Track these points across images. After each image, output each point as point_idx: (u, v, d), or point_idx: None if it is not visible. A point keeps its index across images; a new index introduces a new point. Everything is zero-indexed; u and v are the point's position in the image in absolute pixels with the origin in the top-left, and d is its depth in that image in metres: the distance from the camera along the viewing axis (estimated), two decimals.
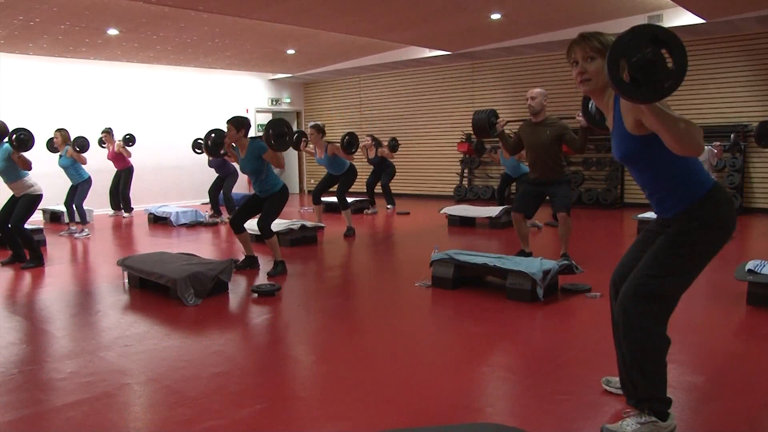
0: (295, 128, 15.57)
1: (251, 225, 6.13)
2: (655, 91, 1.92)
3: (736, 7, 8.29)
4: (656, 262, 2.40)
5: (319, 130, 8.10)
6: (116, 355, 3.58)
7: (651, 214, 7.72)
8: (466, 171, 13.12)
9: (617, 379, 2.90)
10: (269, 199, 5.78)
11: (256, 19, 8.46)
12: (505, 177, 9.63)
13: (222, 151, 6.28)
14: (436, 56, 12.05)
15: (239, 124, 5.72)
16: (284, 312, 4.63)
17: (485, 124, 5.94)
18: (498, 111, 6.23)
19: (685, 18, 8.80)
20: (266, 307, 4.69)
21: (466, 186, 13.04)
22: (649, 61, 1.90)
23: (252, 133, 6.96)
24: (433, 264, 5.17)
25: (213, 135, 6.18)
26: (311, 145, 8.49)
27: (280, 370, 3.42)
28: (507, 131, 6.10)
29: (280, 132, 5.51)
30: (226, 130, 5.83)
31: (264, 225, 5.70)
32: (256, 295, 4.94)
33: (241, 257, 6.08)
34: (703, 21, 8.73)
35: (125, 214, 10.79)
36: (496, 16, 9.04)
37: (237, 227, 5.86)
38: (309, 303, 4.94)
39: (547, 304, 4.51)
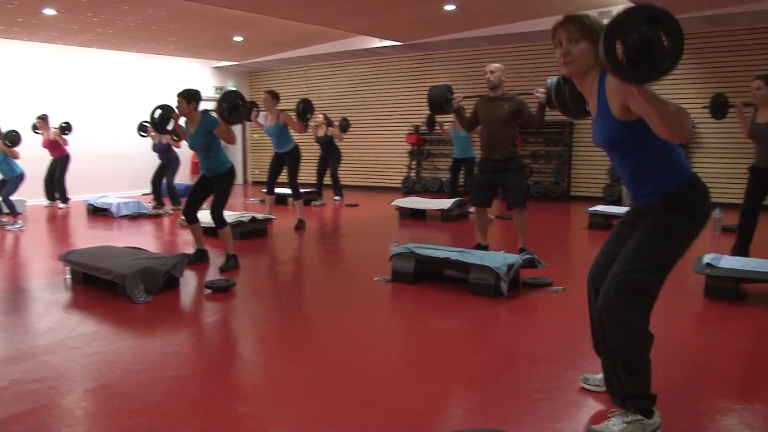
0: None
1: (205, 218, 5.86)
2: (654, 70, 1.88)
3: (682, 7, 8.45)
4: (637, 256, 2.36)
5: (274, 96, 7.77)
6: (63, 358, 3.31)
7: (602, 207, 7.83)
8: (414, 163, 13.07)
9: (596, 377, 2.86)
10: (217, 183, 5.52)
11: (206, 3, 8.13)
12: (455, 166, 9.38)
13: (169, 127, 5.91)
14: (386, 47, 11.92)
15: (191, 96, 5.45)
16: (240, 309, 4.43)
17: (441, 99, 5.76)
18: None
19: None
20: (221, 303, 4.48)
21: (414, 178, 12.99)
22: (645, 41, 1.87)
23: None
24: (393, 258, 5.05)
25: (160, 111, 5.82)
26: (263, 115, 8.07)
27: (243, 373, 3.24)
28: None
29: (235, 105, 5.28)
30: (176, 103, 5.53)
31: (217, 213, 5.47)
32: (209, 291, 4.72)
33: (190, 250, 5.83)
34: None
35: (61, 205, 10.25)
36: (449, 7, 8.97)
37: (190, 217, 5.61)
38: (265, 299, 4.75)
39: (511, 298, 4.46)
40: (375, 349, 3.60)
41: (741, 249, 5.21)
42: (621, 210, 7.72)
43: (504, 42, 11.32)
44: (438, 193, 12.16)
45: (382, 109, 13.52)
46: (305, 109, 7.79)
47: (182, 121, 5.78)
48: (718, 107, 5.91)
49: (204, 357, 3.47)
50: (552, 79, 5.22)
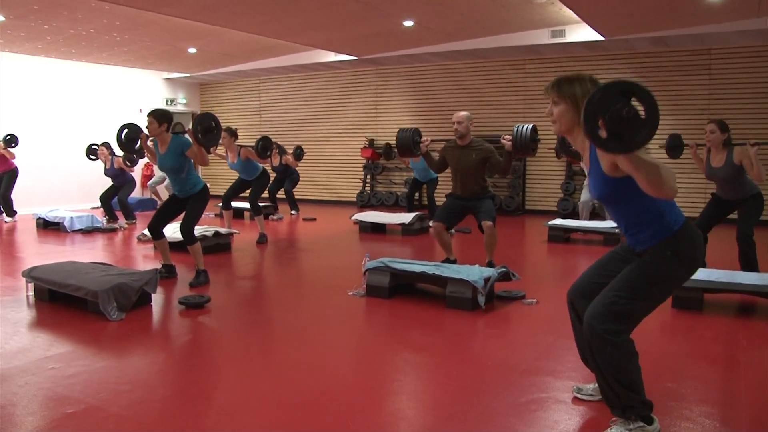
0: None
1: (167, 231, 5.75)
2: (631, 142, 2.02)
3: (632, 27, 8.82)
4: (628, 285, 2.45)
5: (232, 133, 7.78)
6: (44, 380, 3.18)
7: (560, 221, 8.03)
8: (368, 177, 13.11)
9: (588, 386, 2.94)
10: (191, 201, 5.45)
11: (164, 13, 8.00)
12: (414, 183, 9.76)
13: (136, 147, 5.77)
14: (340, 61, 11.96)
15: (162, 117, 5.35)
16: (217, 326, 4.35)
17: (410, 143, 5.95)
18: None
19: (586, 34, 9.25)
20: (197, 320, 4.39)
21: (369, 192, 13.03)
22: (622, 116, 2.00)
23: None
24: (367, 272, 5.06)
25: (126, 130, 5.67)
26: (222, 149, 8.16)
27: (236, 392, 3.15)
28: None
29: (209, 127, 5.22)
30: (146, 123, 5.42)
31: (187, 229, 5.37)
32: (183, 307, 4.62)
33: (152, 265, 5.69)
34: (602, 38, 9.22)
35: (7, 219, 9.86)
36: (408, 23, 9.09)
37: (156, 233, 5.48)
38: (241, 315, 4.68)
39: (488, 312, 4.53)
40: (360, 364, 3.60)
41: None
42: (579, 223, 7.96)
43: (455, 58, 11.53)
44: (394, 206, 12.26)
45: (335, 123, 13.53)
46: (264, 146, 7.82)
47: (150, 141, 5.68)
48: (673, 148, 6.23)
49: (189, 376, 3.37)
50: (518, 126, 5.41)
